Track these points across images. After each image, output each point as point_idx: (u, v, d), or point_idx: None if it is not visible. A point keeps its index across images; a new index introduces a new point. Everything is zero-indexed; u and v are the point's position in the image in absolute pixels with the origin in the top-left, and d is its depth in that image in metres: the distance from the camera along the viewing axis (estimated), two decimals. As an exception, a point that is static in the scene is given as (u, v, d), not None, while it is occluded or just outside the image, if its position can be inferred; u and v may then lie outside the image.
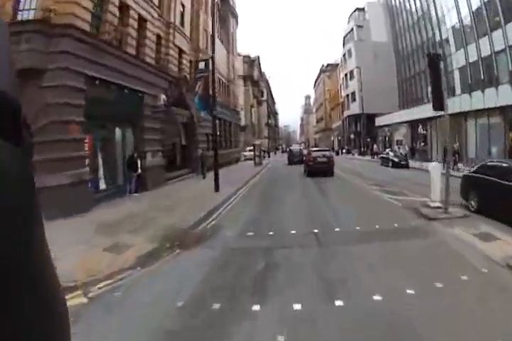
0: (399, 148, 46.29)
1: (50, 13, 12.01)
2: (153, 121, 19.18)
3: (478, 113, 29.18)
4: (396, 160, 31.37)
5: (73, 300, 5.14)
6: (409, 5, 49.28)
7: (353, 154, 57.96)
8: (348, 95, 62.98)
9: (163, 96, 19.20)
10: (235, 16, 47.25)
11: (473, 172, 12.06)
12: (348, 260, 6.95)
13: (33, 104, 10.73)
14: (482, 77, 28.79)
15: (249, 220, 10.94)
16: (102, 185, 15.63)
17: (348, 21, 64.58)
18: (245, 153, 47.50)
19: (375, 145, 49.66)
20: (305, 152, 33.80)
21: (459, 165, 25.78)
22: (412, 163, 31.39)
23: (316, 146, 69.21)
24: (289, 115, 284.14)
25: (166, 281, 6.15)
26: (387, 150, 44.46)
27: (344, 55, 64.00)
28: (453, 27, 32.85)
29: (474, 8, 28.84)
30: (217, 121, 33.18)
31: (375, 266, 6.52)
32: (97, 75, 14.14)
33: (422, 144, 39.52)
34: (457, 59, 32.41)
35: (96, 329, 4.46)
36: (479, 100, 28.42)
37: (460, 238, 8.17)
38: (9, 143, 0.44)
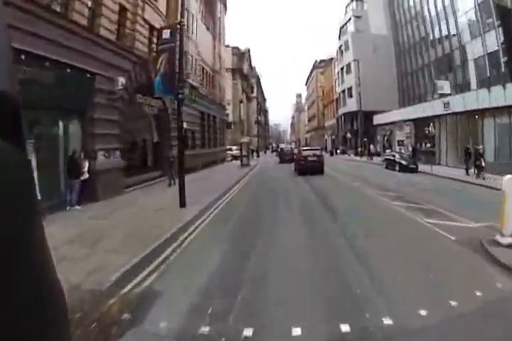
0: (400, 149, 42.57)
1: None
2: (109, 112, 14.92)
3: (497, 111, 25.36)
4: (404, 163, 27.44)
5: None
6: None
7: (349, 155, 54.07)
8: (343, 91, 58.88)
9: (121, 80, 14.93)
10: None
11: None
12: None
13: None
14: (503, 69, 25.04)
15: (213, 281, 6.09)
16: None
17: (345, 12, 60.48)
18: (233, 152, 43.60)
19: (371, 146, 45.65)
20: (296, 151, 33.57)
21: (484, 174, 21.57)
22: (419, 166, 27.50)
23: (307, 146, 66.27)
24: (280, 114, 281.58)
25: None
26: (388, 151, 40.78)
27: (340, 48, 59.75)
28: (467, 13, 28.83)
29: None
30: (198, 114, 29.29)
31: None
32: (25, 48, 10.02)
33: (429, 145, 35.64)
34: (472, 49, 28.53)
35: None
36: (499, 96, 24.58)
37: None
38: (9, 143, 0.44)
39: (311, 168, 24.52)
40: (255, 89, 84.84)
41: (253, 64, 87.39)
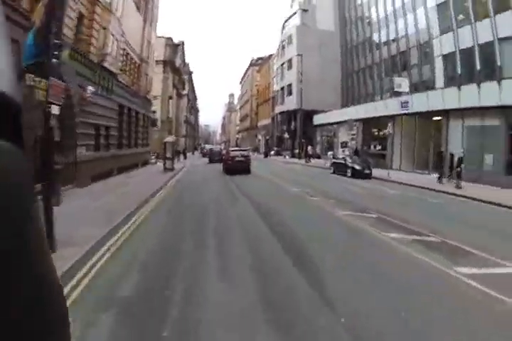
0: (343, 151, 39.46)
1: None
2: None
3: (467, 112, 22.51)
4: (358, 168, 23.70)
5: None
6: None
7: (285, 156, 50.41)
8: (282, 88, 55.10)
9: None
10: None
11: None
12: None
13: None
14: (478, 67, 22.20)
15: None
16: None
17: (291, 5, 56.84)
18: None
19: (309, 147, 42.10)
20: (224, 152, 33.92)
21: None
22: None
23: (237, 146, 65.02)
24: (211, 115, 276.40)
25: None
26: (330, 153, 37.42)
27: (282, 42, 55.88)
28: (438, 5, 25.80)
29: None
30: (116, 108, 23.68)
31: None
32: None
33: (379, 147, 32.56)
34: (440, 45, 25.53)
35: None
36: (472, 96, 21.72)
37: None
38: (10, 144, 0.44)
39: (238, 167, 25.08)
40: (187, 86, 79.04)
41: (186, 60, 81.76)
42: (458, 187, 18.30)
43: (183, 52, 72.81)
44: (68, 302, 2.90)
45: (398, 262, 6.94)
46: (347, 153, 34.80)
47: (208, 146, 69.29)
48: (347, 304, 5.01)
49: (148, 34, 32.94)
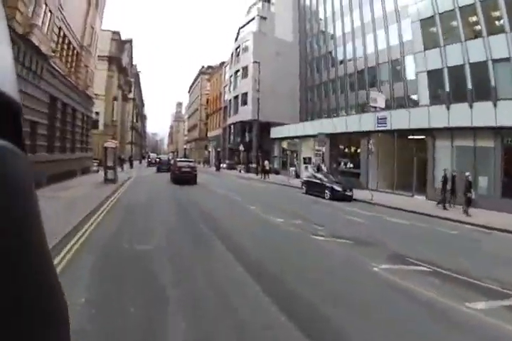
0: (306, 167, 36.48)
1: None
2: None
3: (455, 132, 20.28)
4: (338, 188, 20.56)
5: None
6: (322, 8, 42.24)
7: (240, 171, 46.74)
8: (236, 97, 51.60)
9: None
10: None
11: None
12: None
13: None
14: (469, 86, 20.12)
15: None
16: None
17: (248, 12, 53.92)
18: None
19: (266, 162, 38.44)
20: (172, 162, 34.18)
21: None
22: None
23: (185, 157, 60.81)
24: (159, 123, 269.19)
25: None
26: (292, 169, 34.42)
27: (237, 49, 52.59)
28: (422, 21, 23.79)
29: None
30: (46, 99, 18.62)
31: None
32: None
33: (351, 165, 29.69)
34: (426, 60, 23.32)
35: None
36: (463, 116, 19.54)
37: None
38: (10, 144, 0.44)
39: (185, 177, 25.70)
40: (133, 89, 73.80)
41: (134, 62, 76.64)
42: (467, 213, 16.01)
43: (131, 52, 67.94)
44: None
45: None
46: (310, 170, 31.86)
47: (153, 155, 68.08)
48: None
49: (92, 19, 28.35)
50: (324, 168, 29.86)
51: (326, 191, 20.83)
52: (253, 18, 49.85)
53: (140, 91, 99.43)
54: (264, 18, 48.82)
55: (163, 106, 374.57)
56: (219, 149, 63.03)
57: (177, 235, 9.78)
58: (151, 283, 6.08)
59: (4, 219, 0.40)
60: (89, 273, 6.37)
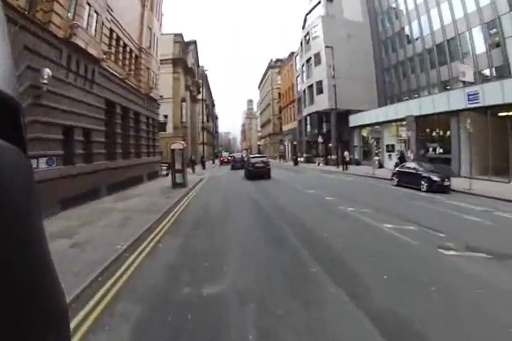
0: (390, 156, 33.10)
1: None
2: None
3: None
4: (435, 178, 17.46)
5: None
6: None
7: (318, 164, 44.15)
8: (310, 86, 48.76)
9: None
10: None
11: None
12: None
13: None
14: None
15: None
16: None
17: (311, -2, 50.53)
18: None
19: (346, 153, 35.33)
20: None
21: None
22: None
23: (259, 153, 62.46)
24: (230, 122, 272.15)
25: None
26: (376, 158, 31.17)
27: (306, 36, 49.74)
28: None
29: None
30: (101, 105, 16.21)
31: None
32: None
33: (440, 151, 26.03)
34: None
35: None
36: None
37: None
38: (10, 143, 0.44)
39: (258, 172, 26.25)
40: (202, 90, 73.57)
41: (200, 63, 76.33)
42: None
43: (196, 53, 67.52)
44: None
45: None
46: (394, 158, 28.62)
47: (225, 154, 71.33)
48: None
49: (148, 20, 27.28)
50: (411, 155, 26.48)
51: (422, 182, 17.82)
52: (319, 2, 46.60)
53: (209, 91, 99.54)
54: (331, 1, 45.48)
55: (233, 106, 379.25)
56: (295, 143, 60.78)
57: (266, 268, 6.79)
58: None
59: (4, 219, 0.40)
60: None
